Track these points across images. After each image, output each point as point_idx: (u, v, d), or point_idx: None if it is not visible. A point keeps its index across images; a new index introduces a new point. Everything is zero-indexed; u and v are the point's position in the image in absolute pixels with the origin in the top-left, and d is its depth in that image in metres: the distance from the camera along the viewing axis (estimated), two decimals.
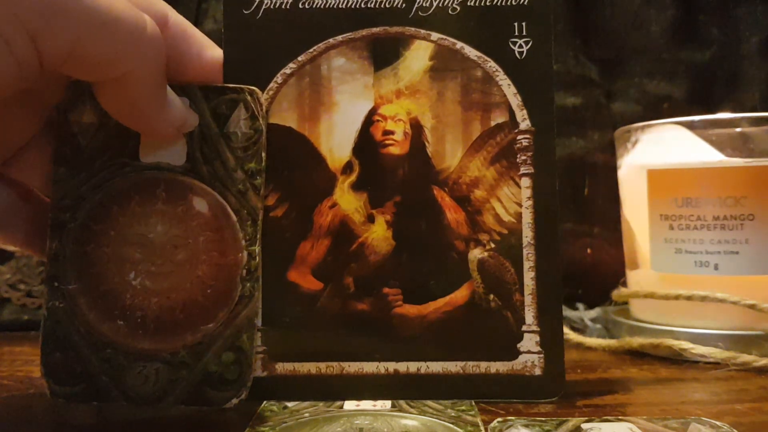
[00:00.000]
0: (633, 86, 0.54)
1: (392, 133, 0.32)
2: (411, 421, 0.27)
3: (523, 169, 0.32)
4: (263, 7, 0.32)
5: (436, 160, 0.32)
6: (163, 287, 0.30)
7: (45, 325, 0.29)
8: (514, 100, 0.32)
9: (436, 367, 0.31)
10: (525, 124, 0.32)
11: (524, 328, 0.31)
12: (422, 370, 0.31)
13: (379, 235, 0.32)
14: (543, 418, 0.27)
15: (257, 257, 0.30)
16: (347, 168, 0.32)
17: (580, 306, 0.49)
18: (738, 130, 0.40)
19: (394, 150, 0.32)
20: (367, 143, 0.32)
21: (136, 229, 0.30)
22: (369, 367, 0.31)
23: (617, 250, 0.46)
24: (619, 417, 0.27)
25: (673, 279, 0.40)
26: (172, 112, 0.29)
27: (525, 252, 0.31)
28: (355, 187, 0.32)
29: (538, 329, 0.31)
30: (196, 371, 0.29)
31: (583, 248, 0.52)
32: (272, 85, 0.32)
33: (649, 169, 0.41)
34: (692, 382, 0.35)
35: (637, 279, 0.42)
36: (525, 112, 0.32)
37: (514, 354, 0.31)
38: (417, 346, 0.31)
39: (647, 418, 0.27)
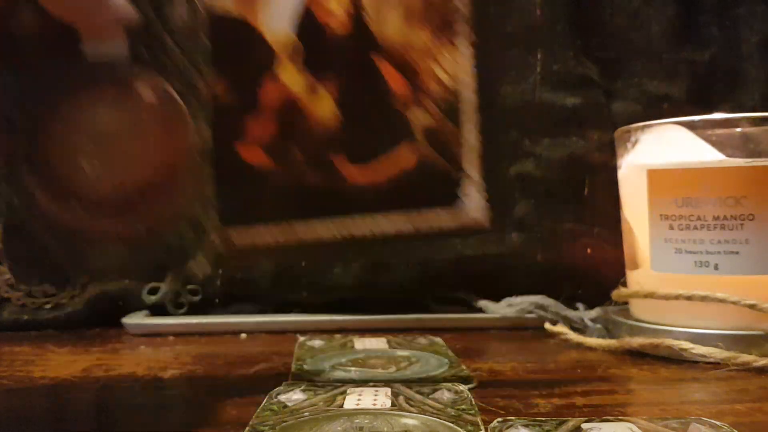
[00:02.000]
0: (633, 86, 0.54)
1: (332, 10, 0.33)
2: (411, 420, 0.27)
3: (462, 35, 0.33)
4: None
5: (377, 31, 0.33)
6: (117, 172, 0.30)
7: (4, 220, 0.30)
8: None
9: (385, 224, 0.33)
10: None
11: (469, 183, 0.33)
12: (375, 231, 0.33)
13: (324, 108, 0.33)
14: (543, 418, 0.27)
15: (208, 137, 0.31)
16: (290, 47, 0.33)
17: (580, 306, 0.49)
18: (738, 130, 0.40)
19: (336, 26, 0.33)
20: (307, 19, 0.33)
21: (85, 119, 0.30)
22: (324, 232, 0.33)
23: (617, 250, 0.46)
24: (619, 417, 0.27)
25: (673, 279, 0.40)
26: (111, 6, 0.29)
27: (465, 111, 0.33)
28: (299, 64, 0.33)
29: (484, 183, 0.33)
30: (157, 248, 0.31)
31: (583, 248, 0.52)
32: None
33: (649, 169, 0.41)
34: (692, 382, 0.35)
35: (637, 279, 0.42)
36: None
37: (458, 202, 0.33)
38: (369, 206, 0.33)
39: (647, 418, 0.27)
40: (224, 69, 0.32)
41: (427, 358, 0.38)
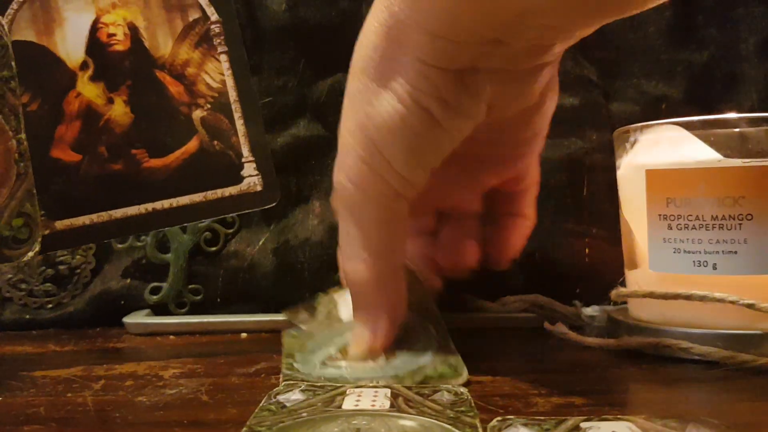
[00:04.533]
0: (631, 87, 0.54)
1: (114, 35, 0.42)
2: (409, 421, 0.27)
3: (219, 48, 0.43)
4: None
5: (153, 51, 0.42)
6: None
7: None
8: (203, 0, 0.43)
9: (184, 200, 0.41)
10: (214, 17, 0.43)
11: (243, 159, 0.42)
12: (174, 204, 0.41)
13: (119, 111, 0.41)
14: (542, 417, 0.27)
15: (24, 142, 0.37)
16: (84, 65, 0.41)
17: (579, 305, 0.49)
18: (736, 130, 0.40)
19: (119, 47, 0.42)
20: (96, 45, 0.41)
21: None
22: (132, 210, 0.41)
23: (616, 250, 0.46)
24: (618, 416, 0.27)
25: (672, 279, 0.40)
26: None
27: (233, 106, 0.42)
28: (93, 78, 0.41)
29: (253, 158, 0.42)
30: None
31: (581, 248, 0.52)
32: (10, 11, 0.40)
33: (647, 169, 0.41)
34: (690, 381, 0.35)
35: (636, 279, 0.43)
36: (212, 8, 0.43)
37: (240, 179, 0.42)
38: (167, 188, 0.41)
39: (646, 417, 0.27)
40: (32, 86, 0.40)
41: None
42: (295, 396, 0.30)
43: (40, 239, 0.37)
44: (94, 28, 0.41)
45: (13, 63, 0.37)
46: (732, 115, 0.41)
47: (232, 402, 0.31)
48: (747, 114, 0.40)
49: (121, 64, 0.42)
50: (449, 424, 0.27)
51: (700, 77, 0.54)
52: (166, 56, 0.42)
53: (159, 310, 0.51)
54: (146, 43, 0.42)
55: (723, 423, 0.26)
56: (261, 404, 0.29)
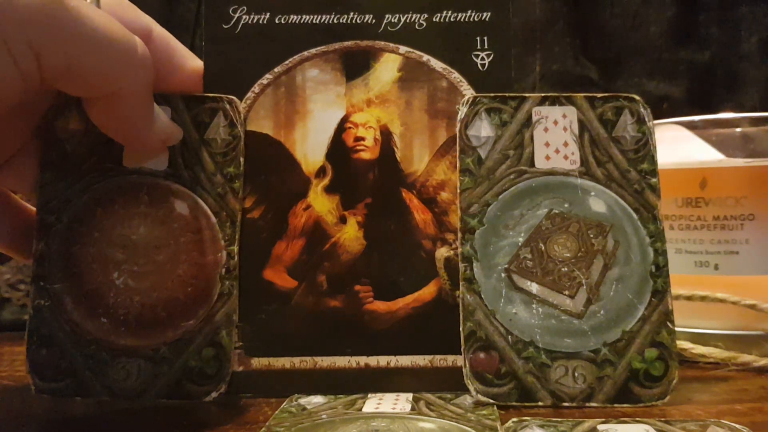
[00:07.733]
0: (632, 86, 0.54)
1: (363, 139, 0.34)
2: (428, 424, 0.27)
3: None
4: (242, 22, 0.34)
5: (404, 164, 0.34)
6: (145, 286, 0.31)
7: (30, 323, 0.31)
8: None
9: (405, 360, 0.32)
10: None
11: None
12: (392, 364, 0.32)
13: (350, 235, 0.33)
14: (558, 419, 0.27)
15: (235, 257, 0.32)
16: (321, 172, 0.34)
17: None
18: (738, 130, 0.40)
19: (365, 155, 0.34)
20: (339, 149, 0.34)
21: (119, 230, 0.31)
22: (341, 362, 0.32)
23: None
24: (637, 419, 0.27)
25: (673, 279, 0.39)
26: (159, 127, 0.30)
27: None
28: (328, 189, 0.33)
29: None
30: (176, 366, 0.30)
31: None
32: (250, 94, 0.34)
33: None
34: (692, 382, 0.35)
35: None
36: None
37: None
38: (387, 341, 0.32)
39: (665, 420, 0.27)
40: (258, 189, 0.33)
41: None
42: (317, 399, 0.30)
43: (228, 378, 0.31)
44: (341, 127, 0.34)
45: (242, 159, 0.32)
46: (734, 114, 0.41)
47: (251, 402, 0.31)
48: (749, 114, 0.40)
49: (364, 176, 0.33)
50: (470, 427, 0.26)
51: (702, 77, 0.54)
52: (419, 173, 0.33)
53: None
54: (398, 154, 0.34)
55: (744, 426, 0.26)
56: (282, 406, 0.29)
